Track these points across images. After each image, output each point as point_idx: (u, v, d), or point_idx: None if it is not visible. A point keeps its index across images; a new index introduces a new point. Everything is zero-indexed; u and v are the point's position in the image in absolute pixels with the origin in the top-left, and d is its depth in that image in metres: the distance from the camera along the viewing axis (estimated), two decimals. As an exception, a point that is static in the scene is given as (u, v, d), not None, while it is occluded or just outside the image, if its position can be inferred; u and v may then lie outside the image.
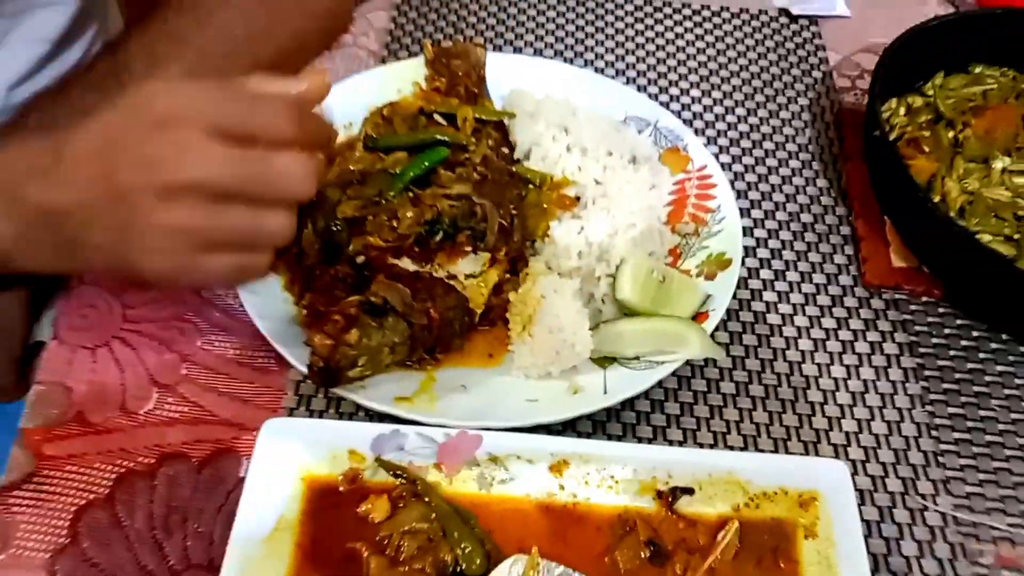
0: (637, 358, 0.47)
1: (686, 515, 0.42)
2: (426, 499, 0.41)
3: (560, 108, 0.57)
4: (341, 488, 0.42)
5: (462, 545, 0.40)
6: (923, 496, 0.45)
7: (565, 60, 0.66)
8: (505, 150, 0.56)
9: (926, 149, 0.58)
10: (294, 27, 0.62)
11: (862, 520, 0.41)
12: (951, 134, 0.59)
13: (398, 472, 0.42)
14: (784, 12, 0.72)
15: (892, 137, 0.59)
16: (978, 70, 0.64)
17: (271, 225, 0.42)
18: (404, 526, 0.41)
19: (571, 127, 0.55)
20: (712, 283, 0.50)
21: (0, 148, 0.43)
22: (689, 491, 0.42)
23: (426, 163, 0.51)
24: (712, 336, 0.48)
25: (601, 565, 0.41)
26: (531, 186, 0.53)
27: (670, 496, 0.42)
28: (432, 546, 0.40)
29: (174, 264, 0.42)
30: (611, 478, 0.43)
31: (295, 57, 0.63)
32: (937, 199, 0.55)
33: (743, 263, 0.53)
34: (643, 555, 0.41)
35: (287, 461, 0.42)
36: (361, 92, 0.60)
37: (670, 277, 0.50)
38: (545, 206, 0.52)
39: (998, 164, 0.57)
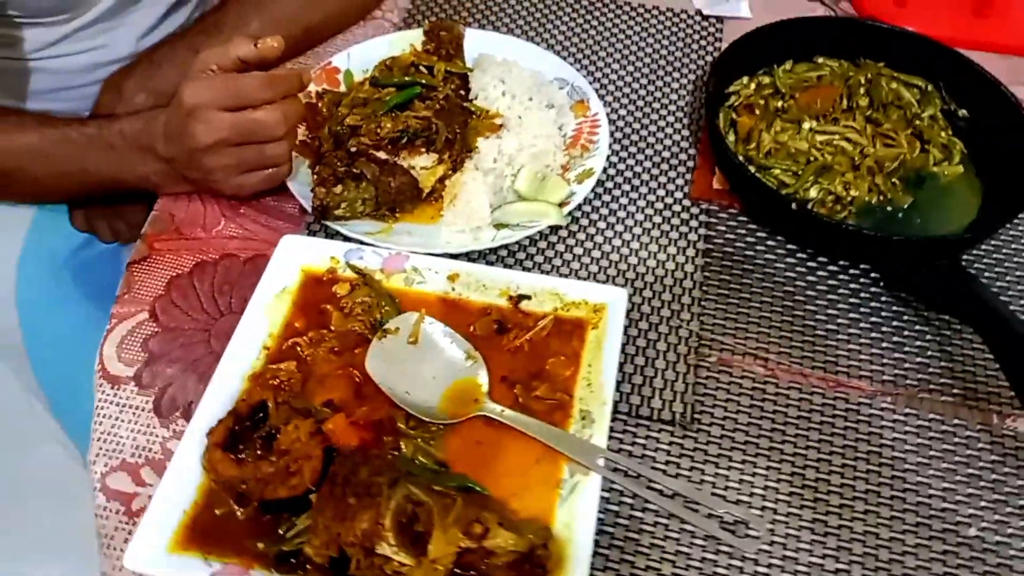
0: (519, 225, 0.74)
1: (524, 310, 0.69)
2: (371, 286, 0.69)
3: (503, 67, 0.84)
4: (324, 277, 0.71)
5: (385, 308, 0.68)
6: (680, 317, 0.71)
7: (528, 38, 0.93)
8: (463, 92, 0.83)
9: (757, 112, 0.83)
10: (338, 1, 0.91)
11: (626, 322, 0.67)
12: (780, 103, 0.84)
13: (357, 270, 0.70)
14: (698, 12, 0.98)
15: (736, 103, 0.84)
16: (820, 60, 0.88)
17: (271, 151, 0.71)
18: (356, 298, 0.69)
19: (507, 80, 0.82)
20: (580, 185, 0.77)
21: (139, 119, 0.75)
22: (528, 297, 0.69)
23: (400, 97, 0.79)
24: (569, 215, 0.74)
25: (467, 331, 0.68)
26: (474, 116, 0.81)
27: (516, 299, 0.69)
28: (370, 310, 0.68)
29: (231, 183, 0.73)
30: (483, 286, 0.70)
31: (335, 23, 0.93)
32: (752, 145, 0.80)
33: (606, 174, 0.79)
34: (493, 328, 0.68)
35: (293, 259, 0.70)
36: (378, 49, 0.88)
37: (549, 177, 0.77)
38: (479, 129, 0.80)
39: (806, 124, 0.81)
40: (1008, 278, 0.74)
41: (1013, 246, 0.77)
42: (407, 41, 0.88)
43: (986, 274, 0.75)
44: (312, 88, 0.84)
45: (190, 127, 0.69)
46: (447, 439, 0.62)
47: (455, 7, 0.98)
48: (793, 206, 0.72)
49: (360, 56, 0.87)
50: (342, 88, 0.85)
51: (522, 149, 0.78)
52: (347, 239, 0.72)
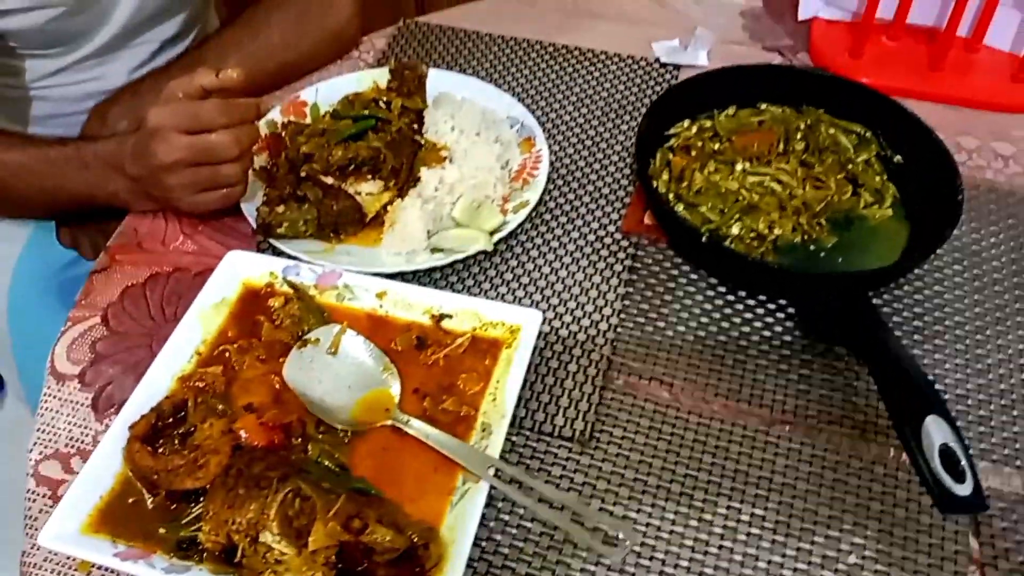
0: (451, 250, 0.79)
1: (445, 328, 0.72)
2: (302, 300, 0.74)
3: (456, 104, 0.89)
4: (262, 291, 0.76)
5: (312, 320, 0.72)
6: (594, 341, 0.74)
7: (491, 80, 0.98)
8: (416, 126, 0.88)
9: (693, 153, 0.86)
10: (313, 41, 0.98)
11: (542, 343, 0.70)
12: (717, 145, 0.87)
13: (292, 285, 0.75)
14: (657, 60, 1.02)
15: (675, 144, 0.88)
16: (764, 107, 0.92)
17: (225, 172, 0.77)
18: (287, 311, 0.74)
19: (457, 116, 0.88)
20: (515, 215, 0.81)
21: (112, 141, 0.82)
22: (449, 316, 0.73)
23: (355, 128, 0.85)
24: (496, 244, 0.79)
25: (388, 346, 0.72)
26: (422, 147, 0.86)
27: (439, 318, 0.73)
28: (299, 323, 0.73)
29: (188, 201, 0.79)
30: (408, 304, 0.74)
31: (310, 62, 0.99)
32: (684, 184, 0.84)
33: (545, 207, 0.83)
34: (413, 343, 0.72)
35: (235, 273, 0.75)
36: (345, 85, 0.94)
37: (484, 206, 0.81)
38: (426, 160, 0.85)
39: (739, 166, 0.85)
40: (925, 318, 0.76)
41: (935, 288, 0.78)
42: (373, 78, 0.94)
43: (903, 313, 0.76)
44: (278, 119, 0.90)
45: (152, 147, 0.75)
46: (355, 445, 0.66)
47: (427, 50, 1.04)
48: (704, 239, 0.75)
49: (327, 91, 0.93)
50: (308, 120, 0.91)
51: (463, 180, 0.83)
52: (290, 257, 0.77)
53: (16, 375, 1.08)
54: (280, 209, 0.77)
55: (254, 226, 0.79)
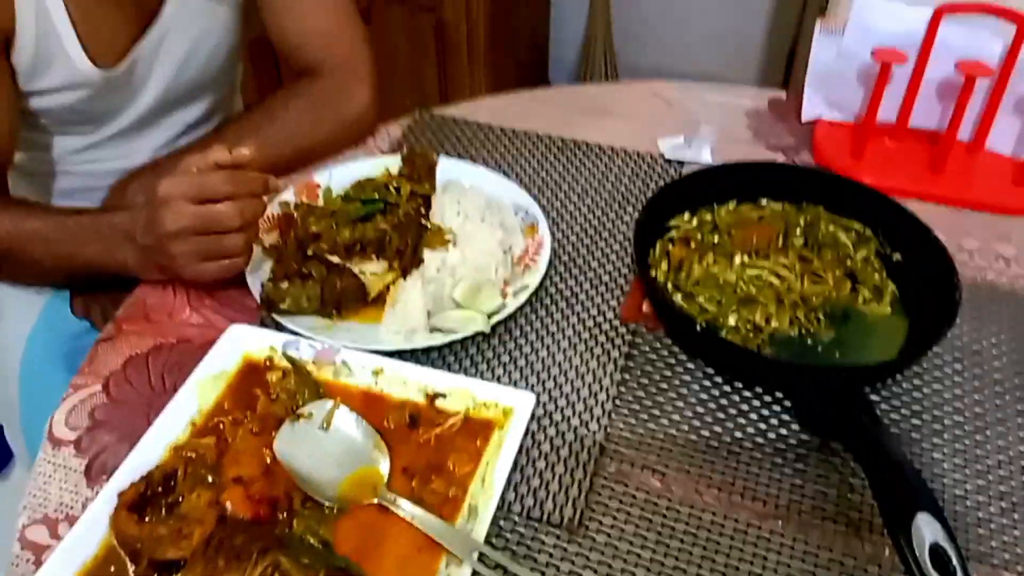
0: (449, 330, 0.80)
1: (438, 407, 0.73)
2: (299, 375, 0.75)
3: (463, 190, 0.92)
4: (261, 364, 0.77)
5: (307, 395, 0.73)
6: (588, 427, 0.73)
7: (499, 169, 1.01)
8: (423, 210, 0.91)
9: (692, 245, 0.88)
10: (329, 128, 1.02)
11: (534, 426, 0.70)
12: (716, 238, 0.89)
13: (291, 360, 0.76)
14: (662, 156, 1.05)
15: (675, 236, 0.89)
16: (764, 202, 0.93)
17: (228, 243, 0.78)
18: (284, 385, 0.74)
19: (463, 201, 0.90)
20: (514, 299, 0.82)
21: (127, 213, 0.84)
22: (443, 395, 0.73)
23: (364, 211, 0.87)
24: (494, 326, 0.79)
25: (381, 423, 0.72)
26: (428, 231, 0.88)
27: (433, 396, 0.73)
28: (294, 397, 0.73)
29: (192, 269, 0.79)
30: (404, 381, 0.74)
31: (325, 148, 1.03)
32: (683, 274, 0.85)
33: (545, 292, 0.85)
34: (405, 422, 0.72)
35: (236, 346, 0.77)
36: (358, 169, 0.97)
37: (484, 288, 0.82)
38: (430, 243, 0.87)
39: (737, 258, 0.86)
40: (924, 416, 0.75)
41: (934, 386, 0.78)
42: (385, 164, 0.97)
43: (901, 411, 0.76)
44: (291, 199, 0.93)
45: (160, 215, 0.77)
46: (339, 522, 0.65)
47: (440, 139, 1.07)
48: (698, 327, 0.75)
49: (340, 175, 0.96)
50: (320, 202, 0.94)
51: (465, 262, 0.84)
52: (291, 332, 0.79)
53: (23, 439, 1.09)
54: (284, 285, 0.79)
55: (259, 300, 0.80)
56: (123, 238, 0.83)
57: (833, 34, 1.04)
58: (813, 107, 1.09)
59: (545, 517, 0.67)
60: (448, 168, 0.97)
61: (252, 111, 0.98)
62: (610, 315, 0.84)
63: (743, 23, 2.42)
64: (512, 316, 0.82)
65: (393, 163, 0.97)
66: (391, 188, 0.92)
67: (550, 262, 0.87)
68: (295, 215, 0.91)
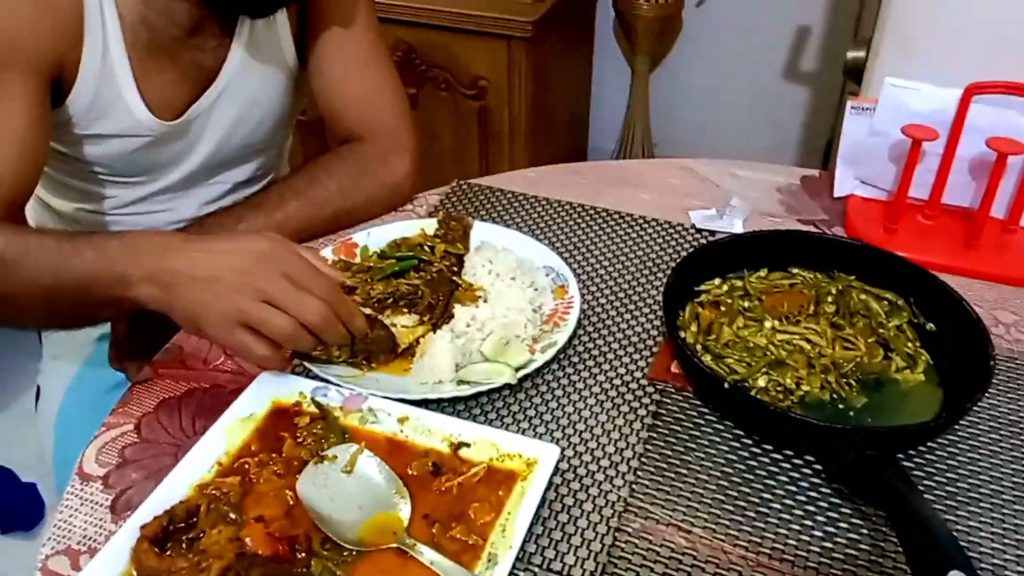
0: (476, 382, 0.80)
1: (462, 457, 0.73)
2: (326, 420, 0.76)
3: (495, 251, 0.94)
4: (290, 409, 0.78)
5: (333, 439, 0.73)
6: (612, 482, 0.72)
7: (532, 234, 1.03)
8: (455, 269, 0.93)
9: (722, 308, 0.88)
10: (368, 193, 1.05)
11: (558, 479, 0.70)
12: (747, 303, 0.89)
13: (320, 406, 0.77)
14: (693, 226, 1.06)
15: (704, 300, 0.90)
16: (795, 271, 0.94)
17: (285, 332, 0.71)
18: (311, 429, 0.75)
19: (495, 261, 0.92)
20: (542, 354, 0.83)
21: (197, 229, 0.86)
22: (467, 444, 0.73)
23: (398, 267, 0.89)
24: (522, 380, 0.80)
25: (404, 470, 0.72)
26: (459, 287, 0.90)
27: (457, 446, 0.73)
28: (320, 441, 0.74)
29: (238, 335, 0.71)
30: (428, 430, 0.75)
31: (364, 211, 1.06)
32: (713, 336, 0.85)
33: (574, 349, 0.85)
34: (428, 469, 0.72)
35: (266, 390, 0.78)
36: (395, 230, 1.00)
37: (512, 343, 0.83)
38: (461, 299, 0.89)
39: (768, 324, 0.86)
40: (959, 484, 0.73)
41: (969, 455, 0.76)
42: (421, 226, 1.00)
43: (935, 478, 0.74)
44: (330, 257, 0.95)
45: (253, 266, 0.71)
46: (357, 564, 0.65)
47: (476, 207, 1.10)
48: (726, 385, 0.75)
49: (378, 235, 0.99)
50: (357, 260, 0.97)
51: (494, 318, 0.85)
52: (321, 379, 0.80)
53: (54, 484, 1.10)
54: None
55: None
56: (156, 246, 0.75)
57: (865, 112, 1.06)
58: (845, 182, 1.10)
59: (566, 570, 0.66)
60: (482, 231, 0.99)
61: (296, 174, 1.02)
62: (638, 374, 0.84)
63: (783, 110, 2.47)
64: (540, 372, 0.83)
65: (429, 225, 1.00)
66: (425, 247, 0.94)
67: (579, 322, 0.88)
68: (333, 271, 0.94)
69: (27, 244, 0.78)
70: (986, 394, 0.77)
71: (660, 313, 0.92)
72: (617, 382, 0.83)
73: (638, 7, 2.38)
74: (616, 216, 1.08)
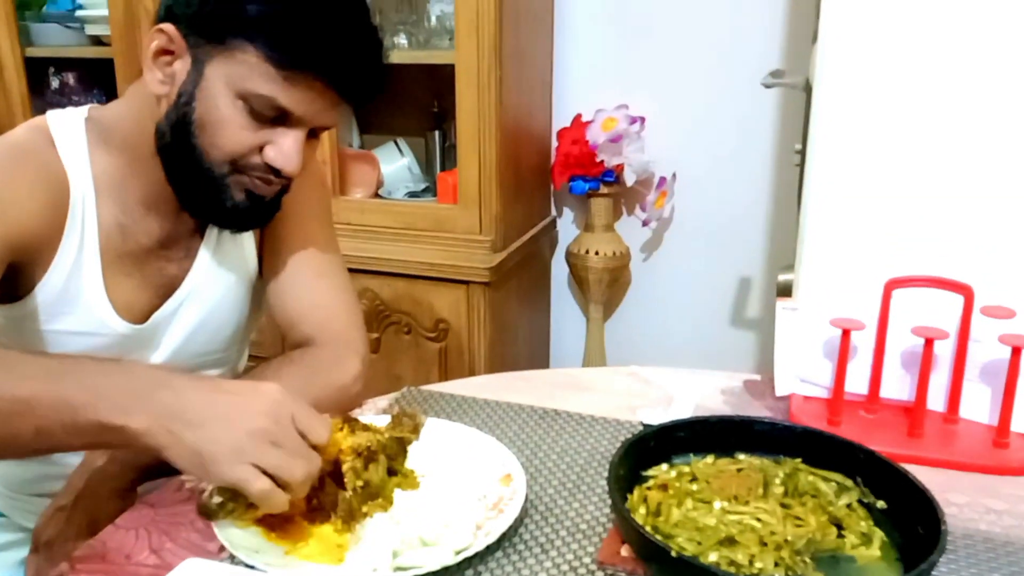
0: (412, 567, 0.76)
1: (393, 641, 0.67)
2: (251, 606, 0.70)
3: (439, 441, 0.93)
4: (212, 599, 0.72)
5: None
6: None
7: (483, 429, 1.02)
8: (399, 456, 0.91)
9: (670, 491, 0.86)
10: (317, 393, 1.05)
11: None
12: (695, 486, 0.87)
13: (243, 592, 0.72)
14: (640, 422, 1.07)
15: (652, 484, 0.88)
16: (741, 456, 0.93)
17: (295, 468, 0.74)
18: (231, 617, 0.69)
19: (441, 451, 0.91)
20: (485, 538, 0.79)
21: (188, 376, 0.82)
22: (400, 628, 0.68)
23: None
24: (465, 568, 0.76)
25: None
26: (401, 475, 0.88)
27: (389, 630, 0.68)
28: (241, 628, 0.68)
29: (241, 474, 0.72)
30: (359, 615, 0.69)
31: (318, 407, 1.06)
32: (662, 518, 0.82)
33: (519, 537, 0.81)
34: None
35: (189, 578, 0.73)
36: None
37: (453, 527, 0.80)
38: (403, 485, 0.86)
39: (717, 504, 0.84)
40: (931, 662, 0.68)
41: (937, 631, 0.71)
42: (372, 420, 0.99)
43: (905, 655, 0.69)
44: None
45: (263, 410, 0.75)
46: None
47: (424, 410, 1.10)
48: (673, 554, 0.71)
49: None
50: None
51: (436, 503, 0.83)
52: (247, 567, 0.75)
53: None
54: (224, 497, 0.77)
55: (198, 511, 0.78)
56: (151, 380, 0.76)
57: (794, 309, 1.11)
58: (786, 382, 1.13)
59: None
60: (433, 427, 0.99)
61: (247, 374, 1.02)
62: (587, 559, 0.80)
63: (729, 352, 2.56)
64: (485, 560, 0.79)
65: (381, 421, 0.99)
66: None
67: (526, 509, 0.85)
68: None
69: (5, 356, 0.75)
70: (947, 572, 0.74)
71: (608, 500, 0.89)
72: (565, 567, 0.79)
73: (588, 259, 2.54)
74: (564, 415, 1.08)
